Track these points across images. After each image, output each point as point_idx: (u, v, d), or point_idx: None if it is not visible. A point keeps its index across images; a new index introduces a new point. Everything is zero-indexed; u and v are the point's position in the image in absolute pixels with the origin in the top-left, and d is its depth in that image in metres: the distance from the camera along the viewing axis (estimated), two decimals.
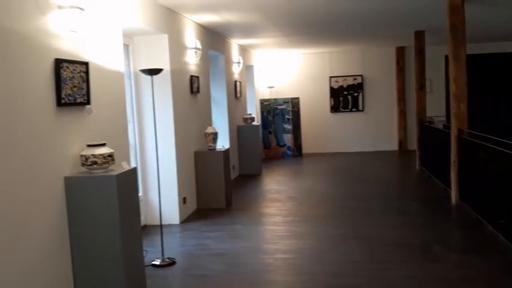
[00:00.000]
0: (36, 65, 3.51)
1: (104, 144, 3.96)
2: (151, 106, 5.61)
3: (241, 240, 5.75)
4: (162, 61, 6.24)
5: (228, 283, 4.45)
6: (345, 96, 13.53)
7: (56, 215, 3.68)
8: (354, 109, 13.53)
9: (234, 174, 9.63)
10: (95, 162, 3.85)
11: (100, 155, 3.86)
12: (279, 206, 7.46)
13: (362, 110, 13.49)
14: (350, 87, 13.49)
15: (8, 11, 3.23)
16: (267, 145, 12.86)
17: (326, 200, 7.86)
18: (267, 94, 13.61)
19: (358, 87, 13.46)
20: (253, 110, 12.35)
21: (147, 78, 5.96)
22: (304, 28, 9.01)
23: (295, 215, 6.87)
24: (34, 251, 3.41)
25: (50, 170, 3.63)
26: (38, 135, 3.51)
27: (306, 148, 13.34)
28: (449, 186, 7.30)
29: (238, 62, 10.57)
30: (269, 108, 12.98)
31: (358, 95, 13.47)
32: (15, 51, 3.28)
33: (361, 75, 13.41)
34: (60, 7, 3.77)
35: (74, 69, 3.91)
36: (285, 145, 12.91)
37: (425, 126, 9.77)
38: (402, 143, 13.30)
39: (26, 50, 3.39)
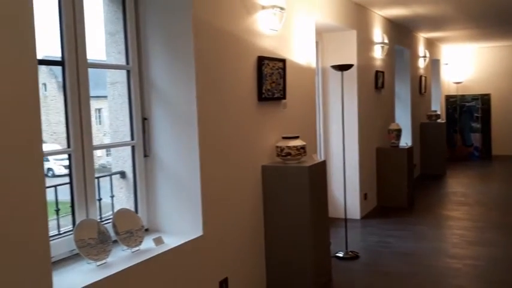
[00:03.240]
0: (243, 62, 3.83)
1: (297, 137, 4.16)
2: (337, 101, 5.72)
3: (426, 242, 5.53)
4: (350, 57, 6.29)
5: (413, 284, 4.33)
6: None
7: (255, 197, 3.98)
8: None
9: (415, 173, 9.28)
10: (289, 154, 4.06)
11: (294, 146, 4.07)
12: (467, 210, 7.00)
13: None
14: None
15: (221, 13, 3.57)
16: (451, 144, 12.10)
17: None
18: (453, 90, 12.79)
19: None
20: (438, 107, 11.72)
21: (334, 74, 6.08)
22: (502, 19, 8.25)
23: (485, 220, 6.38)
24: (240, 219, 3.76)
25: (251, 158, 3.94)
26: (243, 126, 3.83)
27: (496, 149, 12.21)
28: None
29: (424, 56, 10.14)
30: (455, 105, 12.20)
31: None
32: (226, 49, 3.62)
33: None
34: (263, 7, 4.05)
35: (273, 66, 4.16)
36: (472, 145, 12.02)
37: None
38: None
39: (234, 48, 3.72)
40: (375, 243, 5.49)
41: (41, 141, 2.28)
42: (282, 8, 4.13)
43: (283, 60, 4.30)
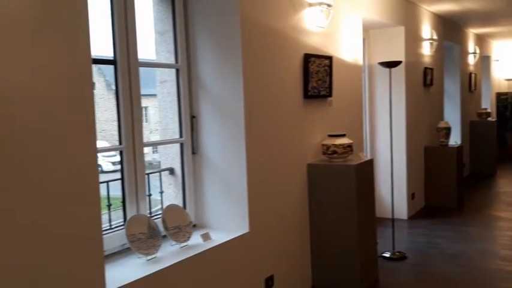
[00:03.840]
0: (289, 60, 3.82)
1: (343, 135, 4.12)
2: (384, 99, 5.62)
3: (476, 243, 5.37)
4: (397, 53, 6.17)
5: (461, 286, 4.21)
6: None
7: (300, 196, 3.98)
8: None
9: (464, 173, 9.02)
10: (335, 152, 4.03)
11: (340, 144, 4.03)
12: None
13: None
14: None
15: (269, 11, 3.58)
16: (502, 143, 11.68)
17: None
18: (504, 87, 12.36)
19: None
20: (489, 105, 11.34)
21: (381, 71, 5.98)
22: None
23: None
24: (285, 217, 3.75)
25: (297, 156, 3.93)
26: (289, 124, 3.83)
27: None
28: None
29: (474, 53, 9.83)
30: (507, 102, 11.77)
31: None
32: (272, 46, 3.63)
33: None
34: (310, 4, 4.03)
35: (320, 64, 4.14)
36: None
37: None
38: None
39: (281, 46, 3.72)
40: (422, 244, 5.38)
41: (95, 139, 2.35)
42: (329, 5, 4.10)
43: (329, 58, 4.27)
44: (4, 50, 1.95)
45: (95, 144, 2.33)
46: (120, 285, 2.45)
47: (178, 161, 3.47)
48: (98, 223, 2.35)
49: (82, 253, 2.25)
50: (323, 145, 4.10)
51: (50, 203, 2.12)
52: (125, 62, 2.94)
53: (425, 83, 7.02)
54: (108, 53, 2.99)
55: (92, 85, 2.36)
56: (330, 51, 4.35)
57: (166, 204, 3.26)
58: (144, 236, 2.89)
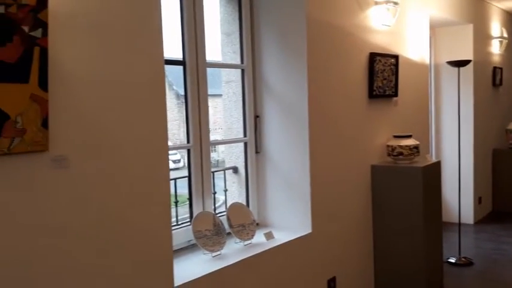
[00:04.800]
0: (354, 59, 3.78)
1: (410, 136, 4.02)
2: (451, 99, 5.44)
3: None
4: (465, 52, 5.96)
5: None
6: None
7: (363, 197, 3.92)
8: None
9: None
10: (401, 153, 3.94)
11: (406, 146, 3.94)
12: None
13: None
14: None
15: (334, 10, 3.55)
16: None
17: None
18: None
19: None
20: None
21: (448, 70, 5.78)
22: None
23: None
24: (348, 219, 3.72)
25: (360, 156, 3.88)
26: (353, 124, 3.79)
27: None
28: None
29: None
30: None
31: None
32: (338, 46, 3.60)
33: None
34: (376, 2, 3.96)
35: (385, 63, 4.06)
36: None
37: None
38: None
39: (346, 45, 3.68)
40: (489, 250, 5.17)
41: (166, 137, 2.42)
42: (395, 3, 4.01)
43: (395, 57, 4.18)
44: (101, 59, 2.07)
45: (167, 142, 2.40)
46: (187, 281, 2.51)
47: (242, 160, 3.51)
48: (168, 219, 2.42)
49: (153, 248, 2.33)
50: (388, 146, 4.03)
51: (129, 201, 2.22)
52: (194, 62, 3.00)
53: (494, 83, 6.74)
54: (174, 54, 3.06)
55: (164, 85, 2.43)
56: (396, 49, 4.26)
57: (230, 202, 3.31)
58: (210, 233, 2.95)
